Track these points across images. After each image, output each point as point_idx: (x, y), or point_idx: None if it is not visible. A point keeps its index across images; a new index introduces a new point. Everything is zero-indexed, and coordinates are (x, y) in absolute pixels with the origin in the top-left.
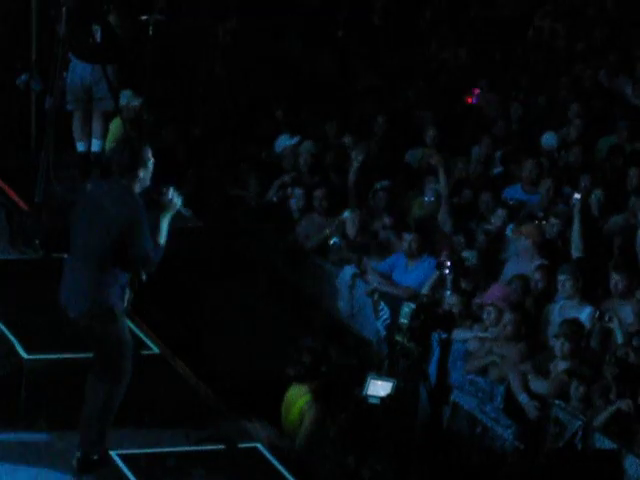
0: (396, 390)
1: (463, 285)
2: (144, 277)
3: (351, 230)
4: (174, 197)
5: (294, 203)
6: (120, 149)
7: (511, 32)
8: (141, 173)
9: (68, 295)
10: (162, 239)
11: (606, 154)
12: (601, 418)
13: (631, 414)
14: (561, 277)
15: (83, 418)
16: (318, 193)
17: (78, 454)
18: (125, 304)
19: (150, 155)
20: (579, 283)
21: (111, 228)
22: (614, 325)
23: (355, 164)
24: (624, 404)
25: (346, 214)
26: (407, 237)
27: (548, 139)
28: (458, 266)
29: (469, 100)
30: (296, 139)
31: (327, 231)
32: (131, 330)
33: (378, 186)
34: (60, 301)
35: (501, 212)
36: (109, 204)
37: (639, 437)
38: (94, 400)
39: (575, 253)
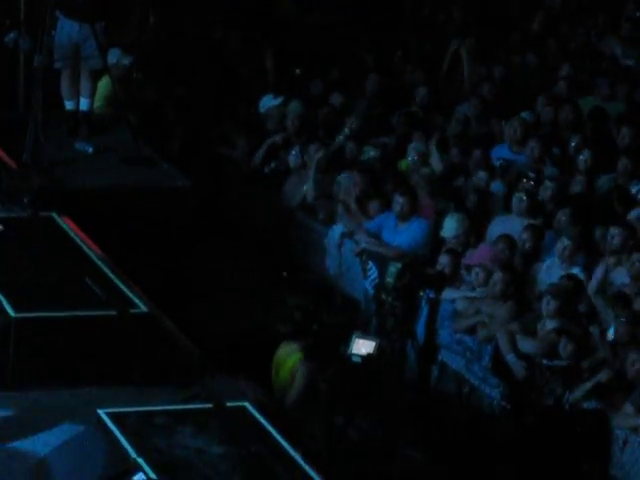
0: (379, 349)
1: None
2: None
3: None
4: None
5: (292, 160)
6: None
7: None
8: None
9: None
10: None
11: (588, 115)
12: (580, 392)
13: (612, 384)
14: (564, 242)
15: None
16: (311, 150)
17: None
18: None
19: None
20: (578, 248)
21: None
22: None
23: (347, 131)
24: (604, 375)
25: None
26: (399, 199)
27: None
28: None
29: None
30: (280, 99)
31: (305, 188)
32: (119, 288)
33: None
34: None
35: (482, 175)
36: None
37: (622, 407)
38: None
39: None
